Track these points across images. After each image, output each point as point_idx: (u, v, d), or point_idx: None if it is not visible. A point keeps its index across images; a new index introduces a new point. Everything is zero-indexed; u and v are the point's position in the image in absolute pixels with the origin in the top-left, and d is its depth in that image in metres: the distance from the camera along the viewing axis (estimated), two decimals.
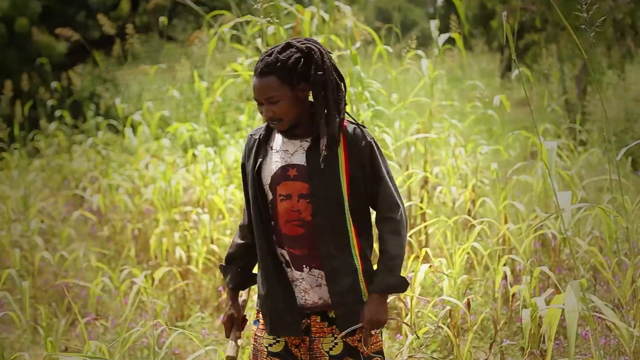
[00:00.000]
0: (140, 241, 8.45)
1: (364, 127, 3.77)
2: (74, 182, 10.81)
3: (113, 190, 9.17)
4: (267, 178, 3.75)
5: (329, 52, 3.70)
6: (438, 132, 8.15)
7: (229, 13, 8.81)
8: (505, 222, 6.79)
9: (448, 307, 4.94)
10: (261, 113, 3.68)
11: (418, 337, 4.81)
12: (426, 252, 5.64)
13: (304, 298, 3.76)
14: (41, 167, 11.54)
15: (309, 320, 3.79)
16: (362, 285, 3.70)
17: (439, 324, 4.88)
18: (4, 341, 6.45)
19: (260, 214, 3.76)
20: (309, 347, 3.83)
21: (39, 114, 14.25)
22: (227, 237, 7.59)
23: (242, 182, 3.95)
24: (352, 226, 3.69)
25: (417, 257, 5.65)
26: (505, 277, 5.86)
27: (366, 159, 3.69)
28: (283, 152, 3.75)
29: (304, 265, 3.74)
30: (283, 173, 3.72)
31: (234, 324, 3.95)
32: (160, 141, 9.62)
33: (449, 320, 5.08)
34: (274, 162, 3.76)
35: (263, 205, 3.76)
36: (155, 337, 4.43)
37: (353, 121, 3.77)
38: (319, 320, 3.78)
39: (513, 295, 5.62)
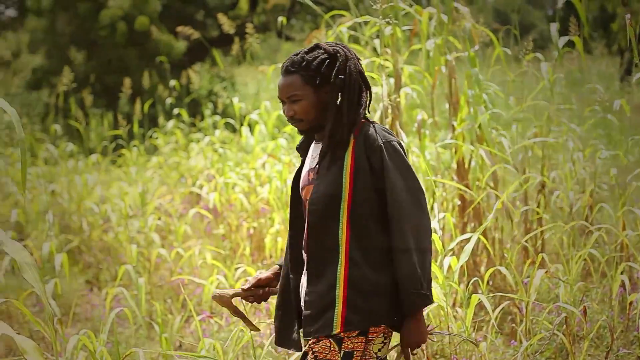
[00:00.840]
0: (255, 240, 8.51)
1: (390, 131, 3.65)
2: (191, 180, 10.95)
3: (229, 189, 9.25)
4: (301, 184, 3.76)
5: (358, 59, 3.68)
6: (556, 136, 8.02)
7: (347, 13, 8.80)
8: (624, 228, 6.63)
9: (564, 314, 4.87)
10: (284, 112, 3.68)
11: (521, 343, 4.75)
12: (542, 258, 5.55)
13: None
14: (159, 164, 11.72)
15: None
16: (340, 291, 3.53)
17: (554, 331, 4.80)
18: (120, 336, 6.57)
19: (293, 221, 3.79)
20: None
21: (157, 111, 14.50)
22: None
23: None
24: (345, 229, 3.55)
25: (533, 262, 5.56)
26: (622, 285, 5.73)
27: (376, 162, 3.55)
28: (311, 157, 3.76)
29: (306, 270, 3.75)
30: (307, 177, 3.72)
31: (255, 283, 3.87)
32: (277, 140, 9.66)
33: (564, 327, 4.99)
34: (305, 167, 3.77)
35: (297, 211, 3.78)
36: (269, 336, 4.45)
37: (374, 123, 3.66)
38: None
39: (630, 303, 5.49)
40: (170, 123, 12.94)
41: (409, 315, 3.52)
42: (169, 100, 13.80)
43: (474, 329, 5.40)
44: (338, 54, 3.62)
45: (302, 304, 3.65)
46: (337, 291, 3.53)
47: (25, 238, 8.82)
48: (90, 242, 9.02)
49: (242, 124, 10.85)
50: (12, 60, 15.97)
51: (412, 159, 6.94)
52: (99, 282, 8.42)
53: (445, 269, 5.02)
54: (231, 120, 11.41)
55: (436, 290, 4.77)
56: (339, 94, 3.60)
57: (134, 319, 6.42)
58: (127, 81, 12.95)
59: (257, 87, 15.53)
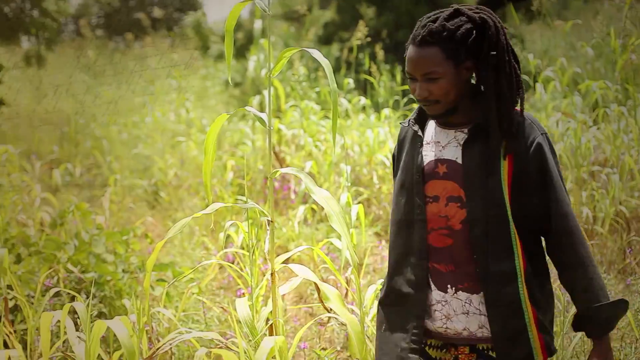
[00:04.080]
0: None
1: (534, 118, 3.10)
2: None
3: None
4: (425, 174, 3.15)
5: (504, 27, 3.06)
6: None
7: None
8: None
9: None
10: (412, 92, 3.10)
11: None
12: None
13: (444, 326, 3.14)
14: None
15: (455, 352, 3.18)
16: (529, 314, 3.04)
17: None
18: None
19: (404, 219, 3.20)
20: None
21: None
22: (636, 200, 7.28)
23: (393, 178, 3.37)
24: (518, 242, 3.03)
25: None
26: None
27: (535, 160, 3.02)
28: (434, 144, 3.16)
29: (449, 286, 3.12)
30: (432, 169, 3.13)
31: None
32: (572, 97, 9.34)
33: None
34: (424, 156, 3.16)
35: (409, 208, 3.18)
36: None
37: (520, 111, 3.09)
38: (467, 352, 3.16)
39: None
40: None
41: (594, 338, 3.06)
42: None
43: None
44: (487, 24, 3.03)
45: (446, 324, 3.15)
46: (525, 315, 3.05)
47: None
48: (380, 194, 9.07)
49: (536, 81, 10.56)
50: (306, 14, 16.30)
51: None
52: (386, 234, 8.45)
53: None
54: (525, 77, 11.13)
55: None
56: (494, 73, 3.02)
57: None
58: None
59: (547, 44, 15.07)
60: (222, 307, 5.72)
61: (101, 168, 11.90)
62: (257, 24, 12.15)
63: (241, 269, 5.29)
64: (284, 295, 5.13)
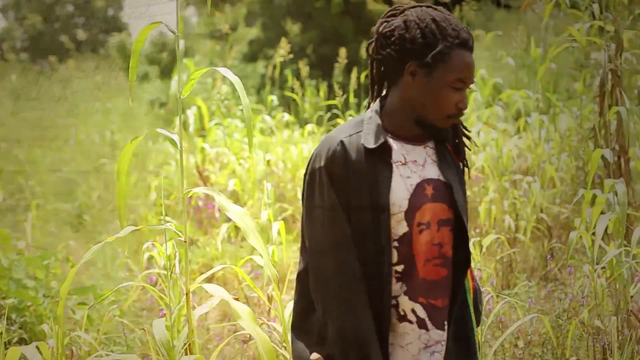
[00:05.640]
0: (469, 208, 8.38)
1: None
2: None
3: None
4: (400, 203, 2.75)
5: None
6: None
7: None
8: None
9: None
10: (452, 104, 2.76)
11: None
12: None
13: None
14: None
15: None
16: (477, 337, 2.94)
17: None
18: None
19: (378, 258, 2.74)
20: None
21: None
22: (557, 207, 7.40)
23: (330, 218, 2.76)
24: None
25: None
26: None
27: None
28: (412, 164, 2.80)
29: (445, 322, 2.83)
30: (421, 192, 2.78)
31: None
32: (492, 108, 9.46)
33: None
34: (405, 178, 2.78)
35: (384, 244, 2.75)
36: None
37: None
38: None
39: None
40: None
41: None
42: None
43: None
44: None
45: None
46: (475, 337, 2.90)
47: (242, 207, 8.96)
48: None
49: None
50: (230, 32, 16.32)
51: (631, 126, 6.68)
52: None
53: None
54: None
55: None
56: None
57: None
58: (343, 51, 12.99)
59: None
60: (143, 329, 5.70)
61: (24, 192, 11.78)
62: (182, 44, 12.14)
63: (163, 290, 5.28)
64: (206, 314, 5.12)
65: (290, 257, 7.88)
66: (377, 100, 2.89)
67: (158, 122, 16.39)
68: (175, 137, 3.50)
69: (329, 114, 12.35)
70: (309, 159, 2.84)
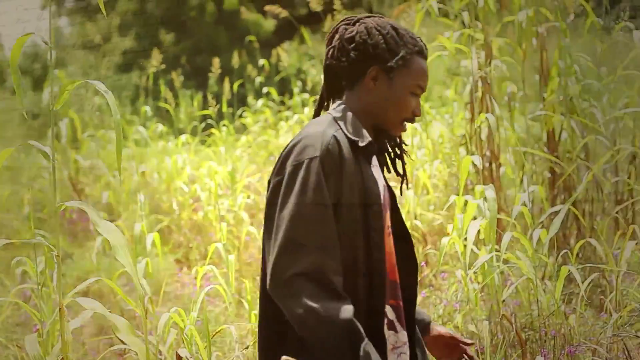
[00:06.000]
0: None
1: None
2: None
3: None
4: (382, 202, 2.79)
5: None
6: None
7: None
8: None
9: None
10: (408, 110, 2.83)
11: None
12: (634, 230, 5.41)
13: None
14: (248, 143, 11.72)
15: None
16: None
17: None
18: (209, 314, 6.60)
19: (367, 260, 2.73)
20: None
21: (246, 90, 14.52)
22: (431, 213, 7.53)
23: (323, 216, 2.66)
24: None
25: (624, 234, 5.44)
26: None
27: None
28: (376, 167, 2.84)
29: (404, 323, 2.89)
30: (385, 196, 2.83)
31: None
32: None
33: None
34: (378, 179, 2.79)
35: (374, 246, 2.73)
36: None
37: None
38: None
39: None
40: (260, 102, 12.95)
41: None
42: (258, 79, 13.81)
43: (564, 302, 5.30)
44: None
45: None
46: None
47: (116, 219, 8.92)
48: (180, 221, 9.08)
49: None
50: (102, 43, 16.15)
51: (502, 132, 6.87)
52: (188, 261, 8.46)
53: (534, 242, 4.94)
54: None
55: (526, 263, 4.71)
56: None
57: (225, 296, 6.45)
58: (217, 61, 12.98)
59: None
60: (17, 345, 5.62)
61: None
62: (54, 55, 11.96)
63: (37, 305, 5.22)
64: (81, 328, 5.09)
65: (167, 268, 7.86)
66: (338, 104, 2.87)
67: (31, 133, 16.11)
68: (48, 150, 3.48)
69: (203, 124, 12.34)
70: (284, 153, 2.75)
